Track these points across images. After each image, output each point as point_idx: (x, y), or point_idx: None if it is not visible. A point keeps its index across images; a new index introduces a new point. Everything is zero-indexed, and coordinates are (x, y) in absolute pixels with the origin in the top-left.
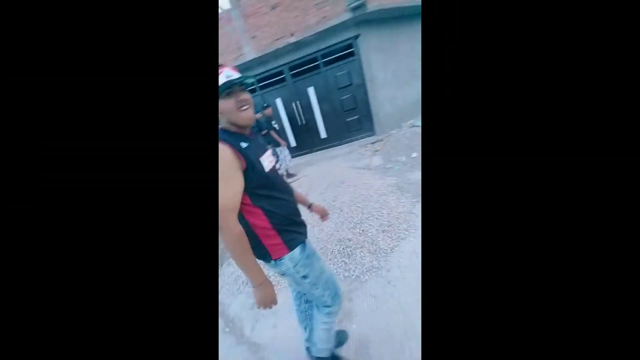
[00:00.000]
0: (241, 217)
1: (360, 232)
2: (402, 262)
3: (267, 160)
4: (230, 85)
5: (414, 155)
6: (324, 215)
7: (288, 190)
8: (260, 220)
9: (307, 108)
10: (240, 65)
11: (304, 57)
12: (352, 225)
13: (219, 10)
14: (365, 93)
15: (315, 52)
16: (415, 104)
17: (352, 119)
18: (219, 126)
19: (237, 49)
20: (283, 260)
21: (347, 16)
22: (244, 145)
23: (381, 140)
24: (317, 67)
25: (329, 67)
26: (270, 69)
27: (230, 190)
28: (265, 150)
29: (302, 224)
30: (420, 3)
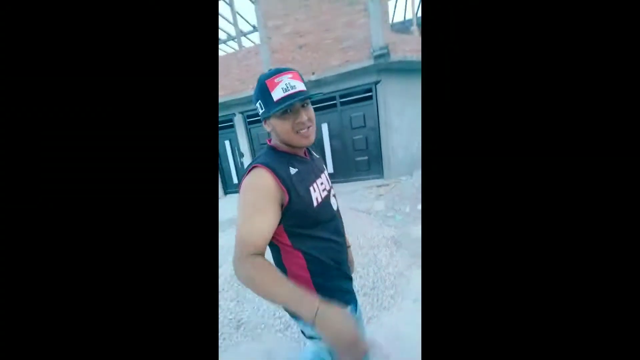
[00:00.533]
0: (278, 258)
1: None
2: (377, 341)
3: (319, 189)
4: (288, 105)
5: (420, 207)
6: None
7: (338, 230)
8: (297, 267)
9: (318, 142)
10: None
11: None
12: None
13: (251, 44)
14: (378, 136)
15: (334, 92)
16: None
17: (361, 159)
18: (270, 143)
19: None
20: None
21: (369, 62)
22: (292, 170)
23: (388, 184)
24: (333, 105)
25: (345, 107)
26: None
27: (258, 225)
28: (319, 175)
29: (350, 277)
30: None
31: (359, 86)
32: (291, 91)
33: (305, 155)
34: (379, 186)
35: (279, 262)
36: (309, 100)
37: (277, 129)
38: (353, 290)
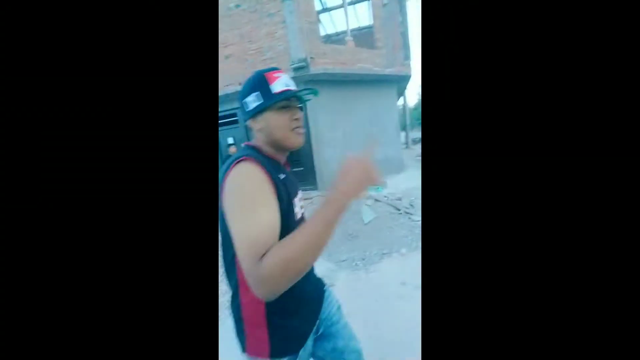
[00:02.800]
0: (235, 287)
1: None
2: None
3: (298, 205)
4: (290, 97)
5: None
6: None
7: None
8: (252, 297)
9: None
10: None
11: None
12: None
13: None
14: (310, 149)
15: None
16: None
17: (297, 170)
18: (250, 143)
19: None
20: None
21: (290, 75)
22: (281, 176)
23: (311, 198)
24: None
25: None
26: (224, 110)
27: (267, 219)
28: (297, 191)
29: (314, 312)
30: (369, 72)
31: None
32: (291, 87)
33: (286, 166)
34: (307, 198)
35: (235, 289)
36: (301, 104)
37: (271, 124)
38: (308, 329)
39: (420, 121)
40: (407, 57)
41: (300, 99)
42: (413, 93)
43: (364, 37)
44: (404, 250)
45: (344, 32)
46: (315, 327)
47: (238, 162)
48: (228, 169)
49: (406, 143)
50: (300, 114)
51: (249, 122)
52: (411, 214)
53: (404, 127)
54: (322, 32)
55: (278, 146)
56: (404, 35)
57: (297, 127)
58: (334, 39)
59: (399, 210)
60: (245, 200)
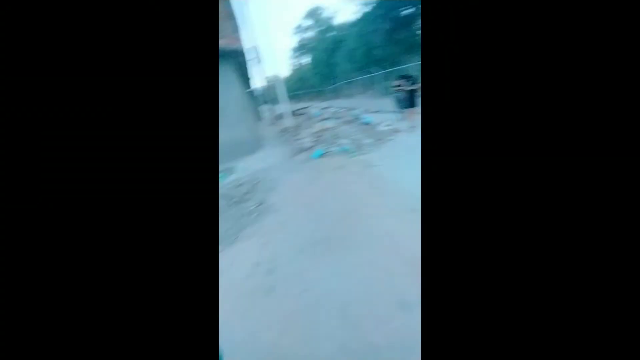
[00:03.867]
0: None
1: None
2: None
3: None
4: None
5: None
6: None
7: None
8: None
9: None
10: None
11: None
12: None
13: None
14: None
15: None
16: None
17: None
18: None
19: None
20: None
21: None
22: None
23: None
24: None
25: None
26: None
27: None
28: None
29: None
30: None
31: None
32: None
33: None
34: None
35: None
36: None
37: None
38: None
39: (289, 93)
40: (234, 29)
41: None
42: (282, 66)
43: None
44: (220, 247)
45: None
46: None
47: None
48: None
49: (272, 119)
50: None
51: None
52: (243, 202)
53: (266, 102)
54: None
55: None
56: (228, 4)
57: None
58: None
59: (233, 199)
60: None
